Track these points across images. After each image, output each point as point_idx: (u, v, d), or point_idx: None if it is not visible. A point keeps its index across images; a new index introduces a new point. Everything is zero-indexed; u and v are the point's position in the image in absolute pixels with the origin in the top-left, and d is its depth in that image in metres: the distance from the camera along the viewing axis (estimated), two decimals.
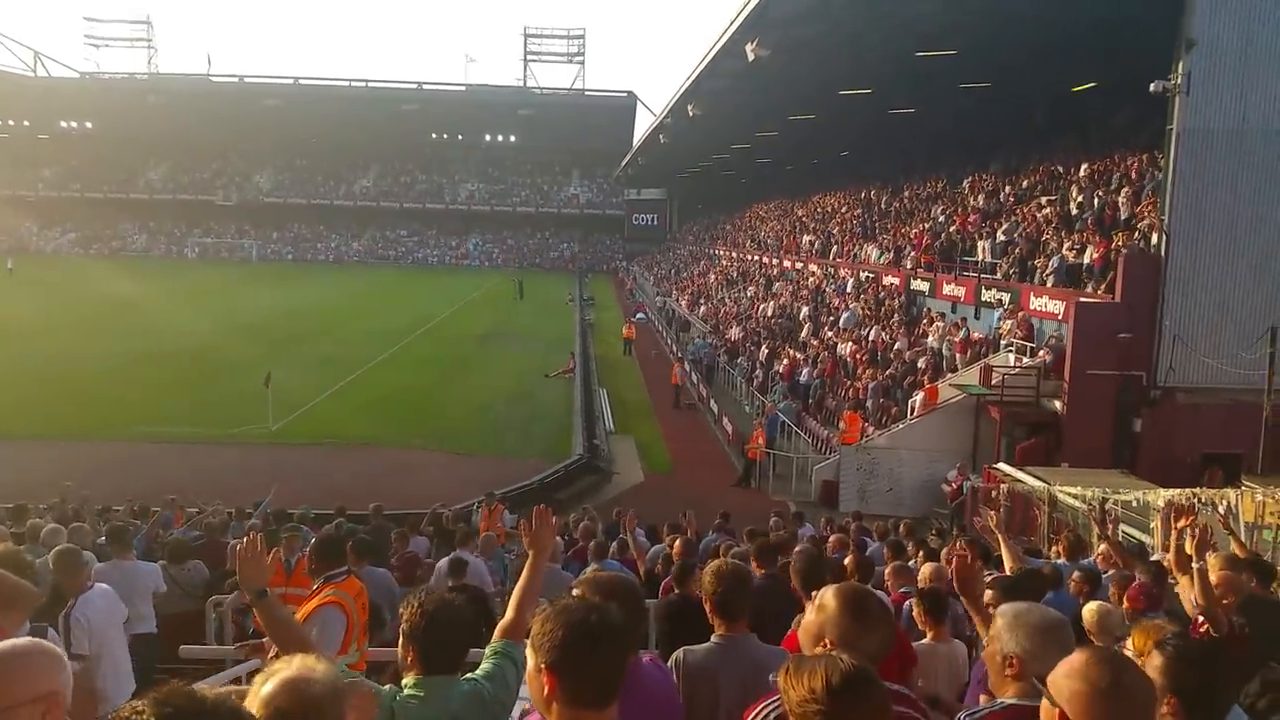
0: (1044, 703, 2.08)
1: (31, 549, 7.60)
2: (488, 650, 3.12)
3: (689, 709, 3.28)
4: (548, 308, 54.98)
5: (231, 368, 30.52)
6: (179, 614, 8.20)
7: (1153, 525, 11.94)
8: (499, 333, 43.31)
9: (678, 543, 7.35)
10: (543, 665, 2.03)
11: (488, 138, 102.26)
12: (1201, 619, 4.39)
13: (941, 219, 29.10)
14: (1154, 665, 2.48)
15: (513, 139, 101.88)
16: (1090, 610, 4.67)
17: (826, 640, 2.59)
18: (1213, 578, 5.08)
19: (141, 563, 7.60)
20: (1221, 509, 10.84)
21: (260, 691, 1.90)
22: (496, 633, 3.19)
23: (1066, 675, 2.07)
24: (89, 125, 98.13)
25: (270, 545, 9.15)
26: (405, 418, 25.42)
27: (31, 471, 18.13)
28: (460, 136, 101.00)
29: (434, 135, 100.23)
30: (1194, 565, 4.77)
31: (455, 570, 7.63)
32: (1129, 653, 3.14)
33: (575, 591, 3.06)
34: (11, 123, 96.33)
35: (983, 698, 3.17)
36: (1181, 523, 6.67)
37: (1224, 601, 4.79)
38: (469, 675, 2.97)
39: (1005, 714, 2.53)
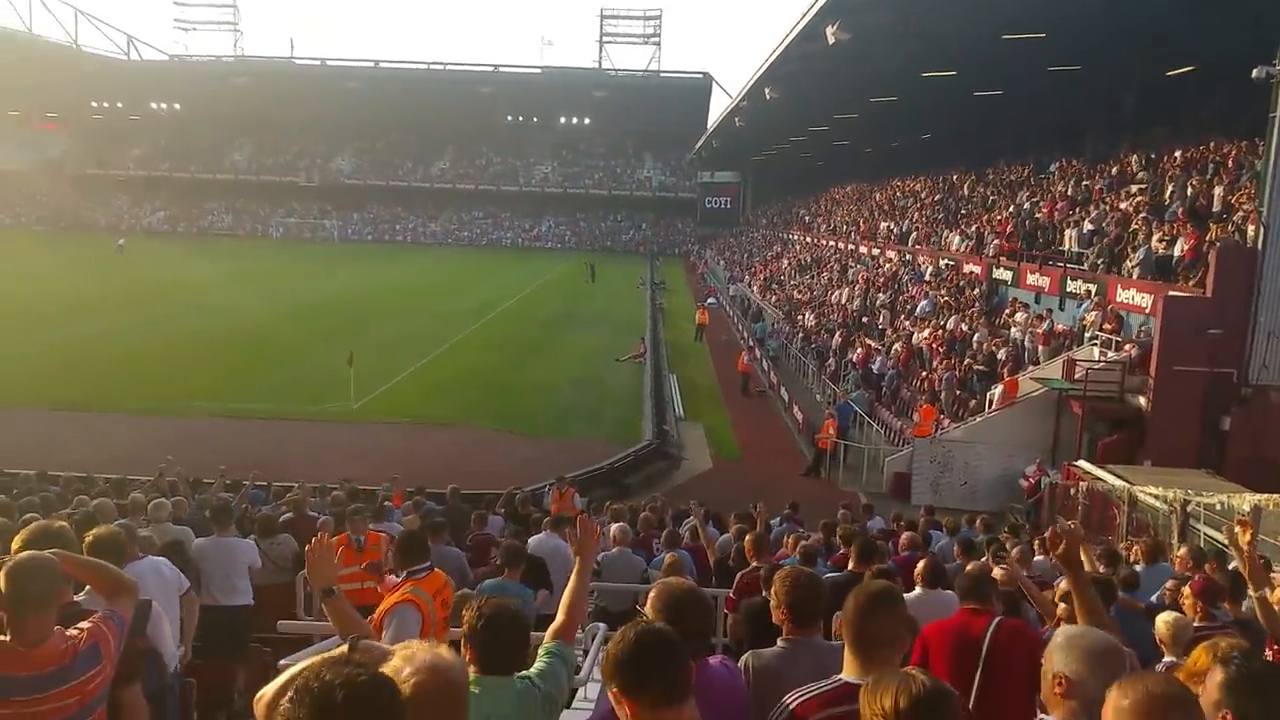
0: None
1: (133, 521, 8.05)
2: (540, 650, 3.31)
3: (758, 711, 3.39)
4: (619, 291, 55.27)
5: (314, 346, 31.50)
6: (270, 586, 8.62)
7: (1227, 532, 11.59)
8: (570, 316, 43.74)
9: (749, 538, 7.43)
10: (614, 690, 2.25)
11: (562, 120, 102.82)
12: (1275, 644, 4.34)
13: (1027, 206, 28.37)
14: (1214, 681, 2.47)
15: (587, 121, 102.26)
16: (1163, 620, 4.64)
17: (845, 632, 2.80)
18: None
19: (239, 539, 7.99)
20: None
21: (404, 673, 2.14)
22: (548, 634, 3.39)
23: (1111, 695, 2.16)
24: (177, 106, 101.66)
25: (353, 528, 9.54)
26: (479, 399, 25.94)
27: (125, 444, 19.05)
28: (535, 119, 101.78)
29: (509, 117, 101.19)
30: (1252, 593, 4.70)
31: (511, 560, 7.44)
32: (1189, 668, 3.16)
33: (647, 603, 3.23)
34: (105, 104, 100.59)
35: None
36: (1246, 536, 6.54)
37: None
38: (522, 674, 3.14)
39: None
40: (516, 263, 70.72)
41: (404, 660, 2.23)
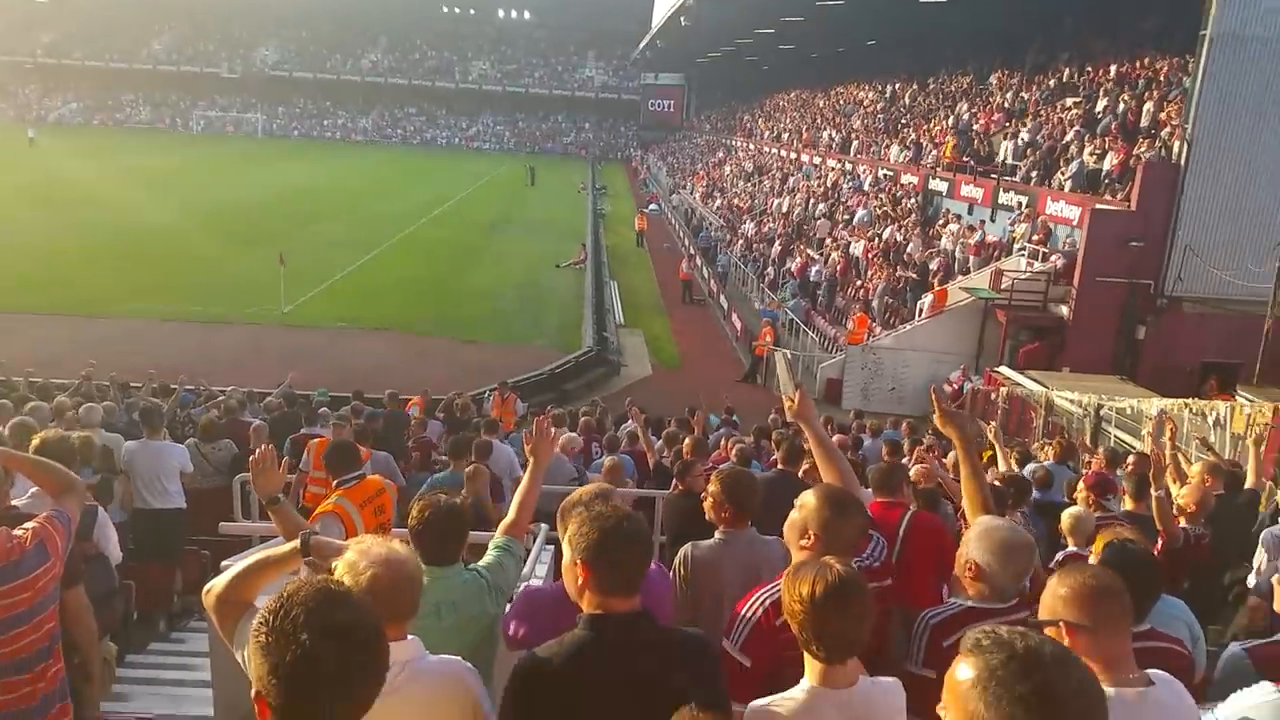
0: (1053, 630, 2.21)
1: (60, 425, 7.95)
2: (491, 544, 3.46)
3: (695, 598, 3.62)
4: (559, 195, 54.49)
5: (240, 247, 30.63)
6: (207, 490, 8.65)
7: (1145, 432, 12.27)
8: (509, 220, 43.13)
9: (688, 441, 7.67)
10: (578, 560, 2.32)
11: (501, 13, 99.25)
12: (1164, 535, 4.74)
13: (965, 116, 28.55)
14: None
15: (527, 15, 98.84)
16: (1066, 514, 4.99)
17: (810, 533, 2.89)
18: (1190, 489, 5.41)
19: (169, 443, 7.94)
20: (1211, 419, 11.18)
21: (360, 566, 2.25)
22: (499, 530, 3.53)
23: (1051, 591, 2.32)
24: None
25: (289, 430, 9.54)
26: (415, 303, 25.66)
27: (45, 347, 18.45)
28: (472, 10, 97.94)
29: (445, 8, 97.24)
30: (1153, 492, 5.08)
31: (481, 452, 7.89)
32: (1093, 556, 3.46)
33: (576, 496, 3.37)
34: None
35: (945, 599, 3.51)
36: (1167, 436, 6.99)
37: (1190, 511, 5.13)
38: (471, 565, 3.30)
39: (964, 616, 2.84)
40: (452, 164, 69.00)
41: (359, 555, 2.33)
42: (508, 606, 3.37)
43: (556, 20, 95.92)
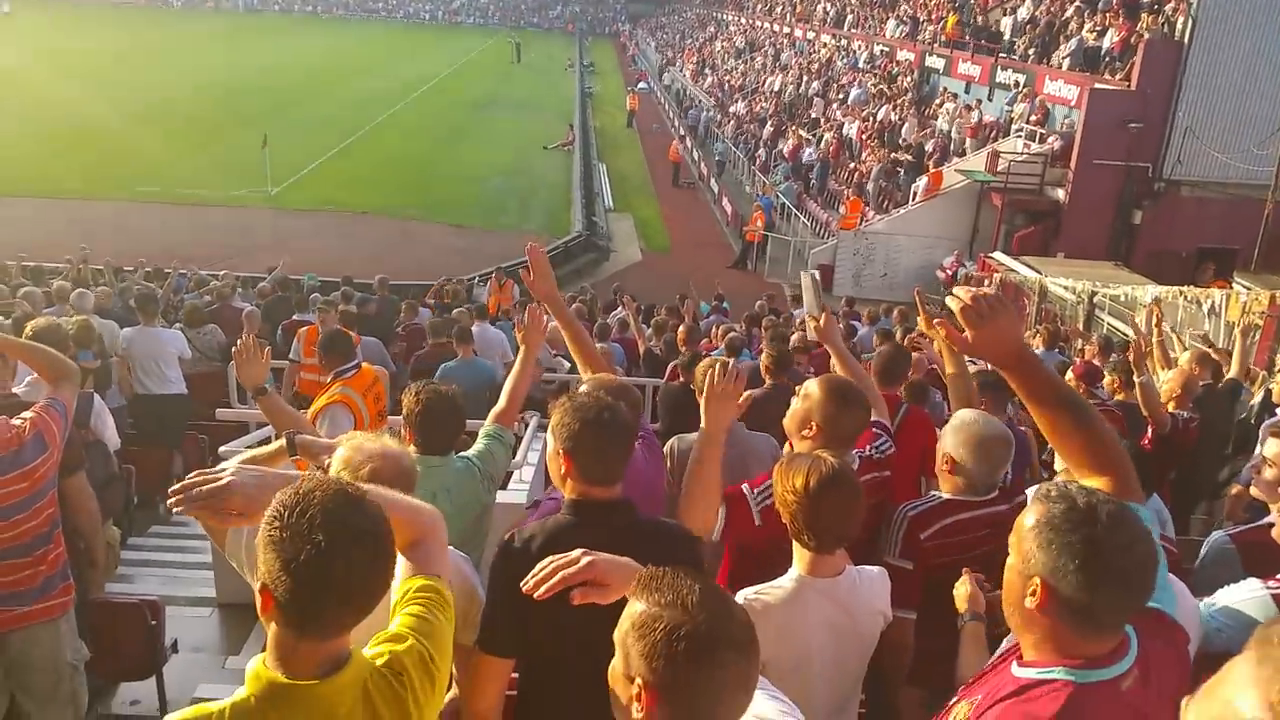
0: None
1: (59, 311, 7.89)
2: (481, 432, 3.47)
3: (678, 488, 3.66)
4: (546, 73, 52.87)
5: (224, 127, 29.81)
6: (197, 375, 8.66)
7: (1136, 319, 12.33)
8: (496, 99, 41.91)
9: (681, 329, 7.67)
10: (560, 449, 2.32)
11: None
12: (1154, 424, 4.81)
13: None
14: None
15: None
16: None
17: (812, 423, 2.91)
18: (1174, 374, 5.46)
19: (165, 330, 7.91)
20: (1206, 307, 11.22)
21: (356, 461, 2.25)
22: (490, 417, 3.53)
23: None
24: None
25: (281, 315, 9.50)
26: (401, 186, 25.20)
27: (36, 230, 18.15)
28: None
29: None
30: (1136, 379, 5.12)
31: (463, 338, 7.86)
32: None
33: (584, 389, 3.36)
34: None
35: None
36: (1154, 323, 7.01)
37: (1175, 395, 5.19)
38: (463, 454, 3.32)
39: (941, 508, 2.87)
40: (436, 40, 66.60)
41: (354, 450, 2.33)
42: (497, 494, 3.41)
43: None
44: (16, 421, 3.26)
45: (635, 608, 1.44)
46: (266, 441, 5.91)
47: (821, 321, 3.72)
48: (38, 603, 3.31)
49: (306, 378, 7.73)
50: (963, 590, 2.42)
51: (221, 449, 5.58)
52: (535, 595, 1.81)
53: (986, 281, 16.80)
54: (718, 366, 2.97)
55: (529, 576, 1.85)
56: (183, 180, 23.52)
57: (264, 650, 1.56)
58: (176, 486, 1.67)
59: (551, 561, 1.85)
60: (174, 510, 1.77)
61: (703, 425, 2.78)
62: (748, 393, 3.12)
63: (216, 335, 9.05)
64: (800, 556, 2.35)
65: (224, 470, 1.82)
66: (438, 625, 1.73)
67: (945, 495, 2.93)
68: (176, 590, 5.44)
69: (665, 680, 1.36)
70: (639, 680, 1.38)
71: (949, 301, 1.95)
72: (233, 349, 3.83)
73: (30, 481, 3.24)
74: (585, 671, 2.21)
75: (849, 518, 2.29)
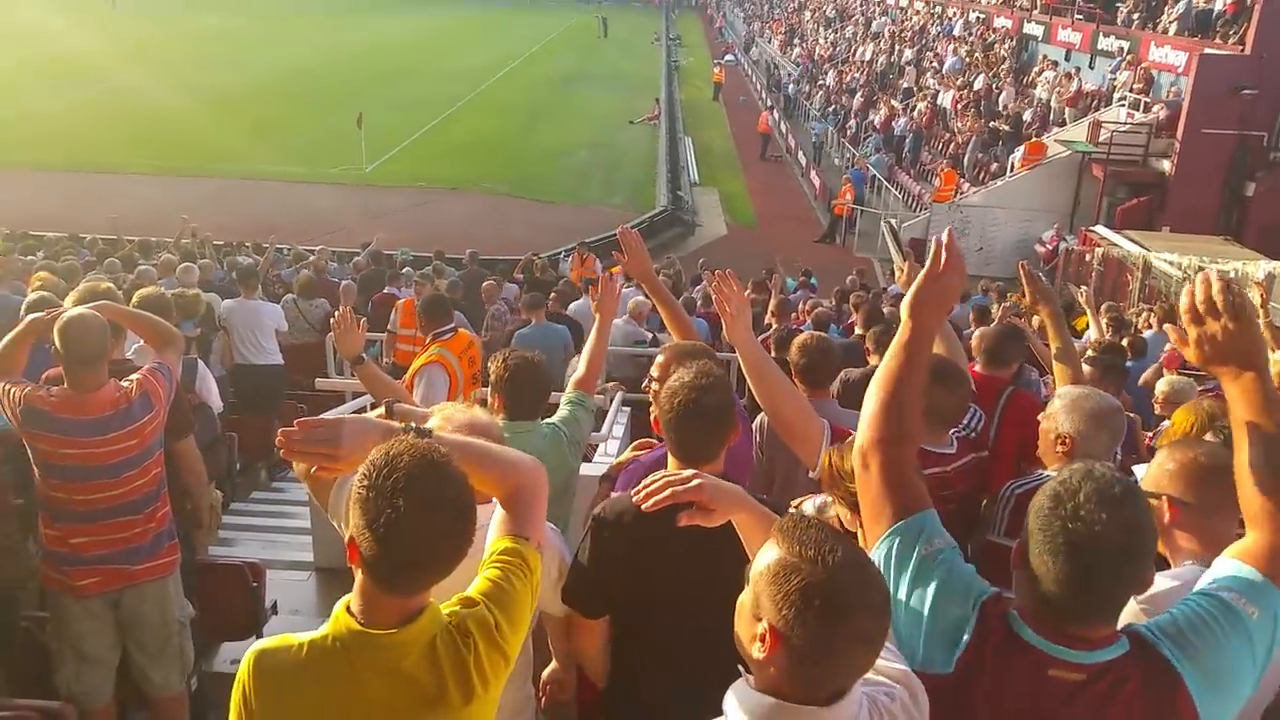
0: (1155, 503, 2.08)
1: (168, 283, 8.23)
2: (564, 399, 3.51)
3: (771, 468, 3.62)
4: (632, 47, 52.68)
5: (322, 106, 30.56)
6: (302, 345, 8.96)
7: (1250, 295, 11.68)
8: (582, 74, 41.98)
9: (771, 302, 7.57)
10: (667, 431, 2.38)
11: None
12: None
13: None
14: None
15: None
16: (1164, 382, 4.80)
17: None
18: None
19: (265, 302, 8.18)
20: None
21: (444, 429, 2.27)
22: (570, 384, 3.57)
23: (1159, 463, 2.19)
24: None
25: (374, 289, 9.74)
26: (490, 162, 25.49)
27: (142, 205, 18.96)
28: None
29: None
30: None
31: (534, 304, 8.15)
32: (1169, 432, 3.29)
33: (660, 359, 3.35)
34: None
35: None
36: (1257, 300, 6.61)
37: None
38: (549, 420, 3.35)
39: None
40: (524, 17, 66.96)
41: (444, 420, 2.37)
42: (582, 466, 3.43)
43: None
44: (125, 383, 3.42)
45: (773, 553, 1.44)
46: (363, 410, 6.10)
47: (905, 271, 3.61)
48: (148, 560, 3.47)
49: (403, 348, 7.95)
50: None
51: (320, 417, 5.75)
52: (644, 508, 1.83)
53: (1088, 256, 16.14)
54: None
55: (638, 488, 1.87)
56: (280, 158, 24.28)
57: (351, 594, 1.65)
58: (286, 429, 1.72)
59: (663, 476, 1.86)
60: (282, 458, 1.84)
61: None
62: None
63: (324, 307, 9.31)
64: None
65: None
66: (513, 593, 1.76)
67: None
68: (276, 554, 5.64)
69: (794, 631, 1.37)
70: (766, 622, 1.39)
71: (1184, 296, 1.68)
72: (330, 320, 3.95)
73: (139, 439, 3.39)
74: (676, 630, 2.21)
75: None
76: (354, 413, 6.22)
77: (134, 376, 3.46)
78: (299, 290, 9.23)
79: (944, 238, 1.89)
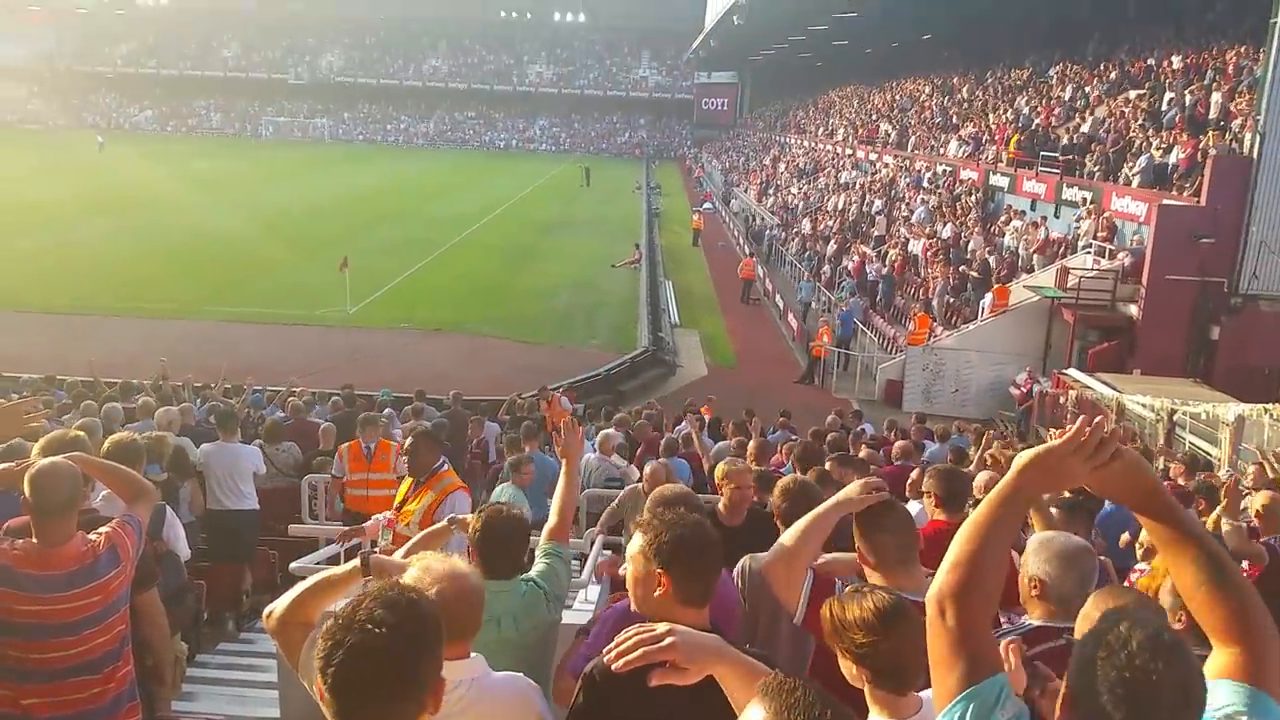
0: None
1: (143, 425, 8.19)
2: (538, 552, 3.45)
3: (752, 613, 3.56)
4: (614, 195, 54.63)
5: (308, 249, 31.20)
6: (273, 490, 8.84)
7: (1220, 438, 11.86)
8: (565, 221, 43.34)
9: (752, 445, 7.60)
10: (658, 569, 2.29)
11: (556, 16, 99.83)
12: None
13: (1026, 110, 27.92)
14: (1167, 589, 2.61)
15: (581, 17, 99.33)
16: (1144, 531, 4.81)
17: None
18: (1258, 496, 5.20)
19: (243, 445, 8.13)
20: None
21: (425, 582, 2.26)
22: (544, 536, 3.51)
23: (1085, 607, 2.25)
24: (164, 1, 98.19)
25: (346, 435, 9.65)
26: (475, 304, 25.93)
27: (119, 347, 18.98)
28: (529, 14, 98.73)
29: (502, 13, 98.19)
30: (1223, 524, 4.88)
31: (529, 434, 8.34)
32: (1157, 572, 3.32)
33: (645, 503, 3.34)
34: None
35: (1004, 621, 3.40)
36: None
37: (1262, 520, 4.92)
38: (526, 575, 3.29)
39: (1032, 636, 2.72)
40: (510, 165, 69.63)
41: (423, 571, 2.35)
42: (564, 613, 3.37)
43: (610, 22, 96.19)
44: (92, 536, 3.35)
45: (758, 713, 1.40)
46: (335, 559, 5.98)
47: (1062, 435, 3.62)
48: None
49: (354, 493, 7.92)
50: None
51: (292, 565, 5.65)
52: (614, 668, 1.77)
53: (1061, 398, 16.40)
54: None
55: (609, 647, 1.81)
56: (264, 300, 24.58)
57: None
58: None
59: (635, 633, 1.80)
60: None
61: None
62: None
63: (293, 452, 9.27)
64: (875, 700, 2.20)
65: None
66: None
67: (1036, 622, 2.79)
68: (243, 710, 5.41)
69: None
70: None
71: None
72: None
73: (103, 595, 3.30)
74: None
75: (921, 652, 2.19)
76: (325, 561, 6.11)
77: (103, 530, 3.40)
78: (265, 435, 9.17)
79: (1106, 427, 1.83)
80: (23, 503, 3.26)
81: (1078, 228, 20.73)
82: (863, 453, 9.21)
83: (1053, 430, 10.69)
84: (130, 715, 3.41)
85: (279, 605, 2.39)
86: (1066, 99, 26.33)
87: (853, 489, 2.92)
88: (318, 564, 5.72)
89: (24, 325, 20.95)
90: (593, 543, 6.87)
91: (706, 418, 12.68)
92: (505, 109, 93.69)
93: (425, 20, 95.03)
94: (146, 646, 3.83)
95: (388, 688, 1.55)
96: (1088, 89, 26.02)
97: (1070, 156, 22.45)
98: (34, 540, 3.24)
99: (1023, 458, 1.82)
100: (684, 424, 11.73)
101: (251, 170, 57.24)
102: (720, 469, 4.57)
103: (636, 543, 2.40)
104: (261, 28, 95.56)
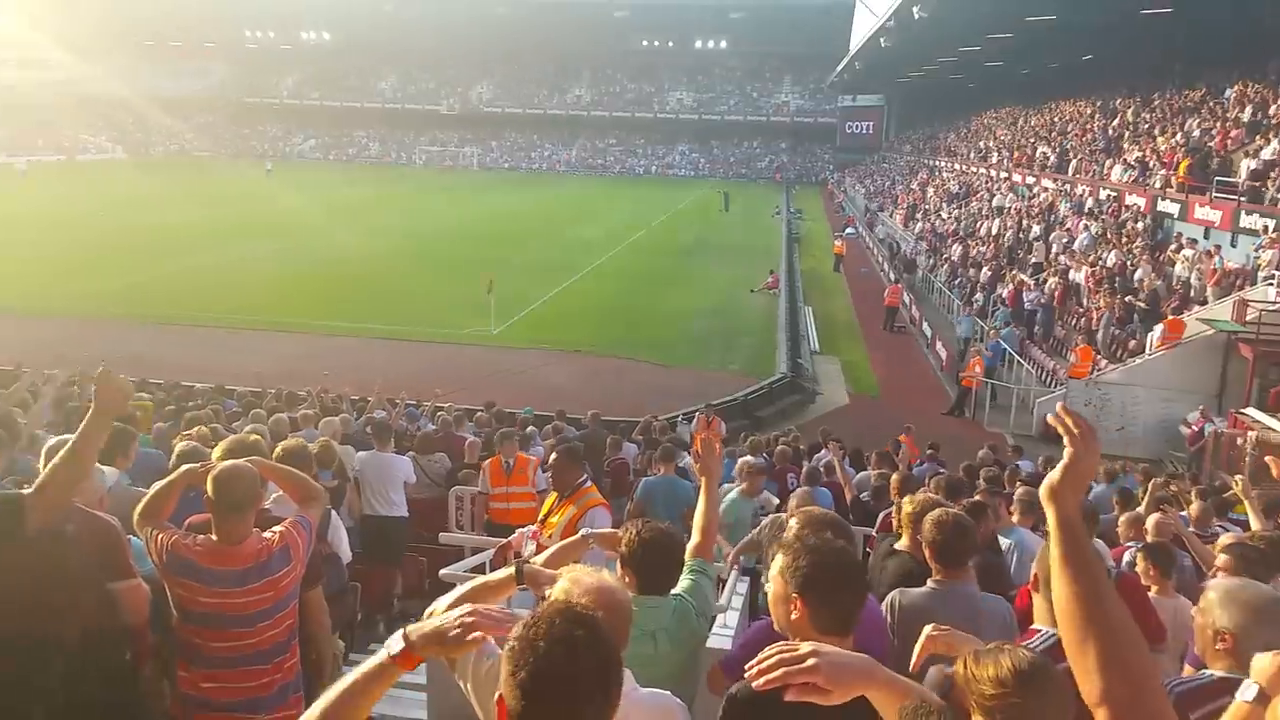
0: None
1: (308, 434, 8.62)
2: (685, 569, 3.38)
3: (901, 649, 3.38)
4: (754, 220, 54.48)
5: (456, 271, 32.41)
6: (423, 500, 9.13)
7: None
8: (704, 245, 43.46)
9: (895, 477, 7.31)
10: (794, 593, 2.19)
11: (698, 44, 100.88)
12: None
13: (1198, 133, 26.17)
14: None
15: (723, 44, 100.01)
16: None
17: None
18: None
19: (396, 456, 8.44)
20: None
21: (574, 594, 2.26)
22: (688, 553, 3.45)
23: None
24: (326, 36, 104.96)
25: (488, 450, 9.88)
26: (613, 326, 26.26)
27: (282, 361, 20.21)
28: (670, 43, 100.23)
29: (644, 42, 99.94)
30: None
31: (666, 456, 8.38)
32: None
33: (794, 522, 3.21)
34: (259, 33, 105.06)
35: (1187, 669, 3.12)
36: None
37: None
38: (674, 592, 3.25)
39: (1215, 687, 2.50)
40: (650, 191, 70.58)
41: (572, 583, 2.35)
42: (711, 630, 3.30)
43: (752, 48, 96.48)
44: (267, 535, 3.51)
45: None
46: (480, 568, 6.08)
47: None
48: (271, 712, 3.45)
49: (496, 506, 8.12)
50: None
51: (442, 572, 5.77)
52: (754, 686, 1.73)
53: (1239, 440, 15.15)
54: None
55: (750, 664, 1.77)
56: (416, 319, 25.65)
57: None
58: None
59: (776, 651, 1.75)
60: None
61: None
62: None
63: (444, 463, 9.56)
64: None
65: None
66: None
67: (1219, 673, 2.56)
68: (391, 709, 5.54)
69: None
70: None
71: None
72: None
73: (275, 591, 3.44)
74: None
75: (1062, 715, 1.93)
76: (472, 569, 6.22)
77: (277, 529, 3.56)
78: (418, 447, 9.51)
79: (1062, 414, 1.80)
80: (205, 501, 3.44)
81: (1257, 257, 19.19)
82: (1019, 491, 8.70)
83: (1236, 477, 9.85)
84: (294, 707, 3.54)
85: (441, 601, 2.42)
86: (1245, 120, 24.52)
87: None
88: (466, 571, 5.83)
89: (191, 338, 22.65)
90: (730, 568, 6.74)
91: (906, 447, 12.52)
92: (646, 135, 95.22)
93: (570, 51, 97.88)
94: (311, 642, 3.98)
95: (580, 703, 1.59)
96: (1271, 109, 24.16)
97: (1258, 184, 20.83)
98: (213, 536, 3.41)
99: (1044, 487, 1.77)
100: (825, 452, 11.43)
101: (405, 197, 60.17)
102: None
103: (778, 562, 2.33)
104: (417, 61, 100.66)
